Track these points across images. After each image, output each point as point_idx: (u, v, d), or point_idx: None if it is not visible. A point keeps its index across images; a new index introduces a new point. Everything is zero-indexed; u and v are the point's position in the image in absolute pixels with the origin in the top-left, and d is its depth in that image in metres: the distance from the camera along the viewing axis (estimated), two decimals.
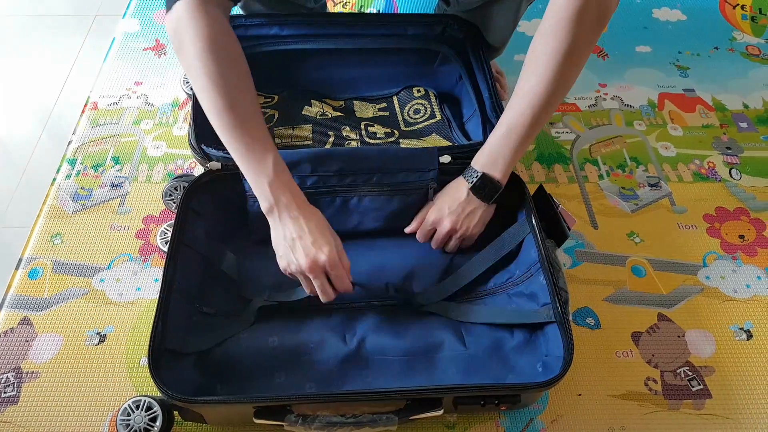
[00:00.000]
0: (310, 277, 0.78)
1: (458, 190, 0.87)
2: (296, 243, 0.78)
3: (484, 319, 0.86)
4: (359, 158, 0.89)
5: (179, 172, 1.09)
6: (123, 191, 1.06)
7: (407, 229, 0.91)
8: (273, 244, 0.81)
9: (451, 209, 0.87)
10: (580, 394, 0.86)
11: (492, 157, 0.84)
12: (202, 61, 0.76)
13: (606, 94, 1.25)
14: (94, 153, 1.12)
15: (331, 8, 1.38)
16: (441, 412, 0.74)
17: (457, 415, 0.83)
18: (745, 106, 1.24)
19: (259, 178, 0.77)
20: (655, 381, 0.88)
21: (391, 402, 0.73)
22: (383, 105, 1.08)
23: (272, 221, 0.80)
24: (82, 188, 1.06)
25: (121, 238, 1.00)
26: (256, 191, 0.79)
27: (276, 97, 1.05)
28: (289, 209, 0.78)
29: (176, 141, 1.14)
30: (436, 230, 0.89)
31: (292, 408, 0.72)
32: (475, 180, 0.85)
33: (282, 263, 0.80)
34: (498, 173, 0.84)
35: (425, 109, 1.06)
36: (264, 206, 0.79)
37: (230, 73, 0.77)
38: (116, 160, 1.11)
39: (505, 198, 0.91)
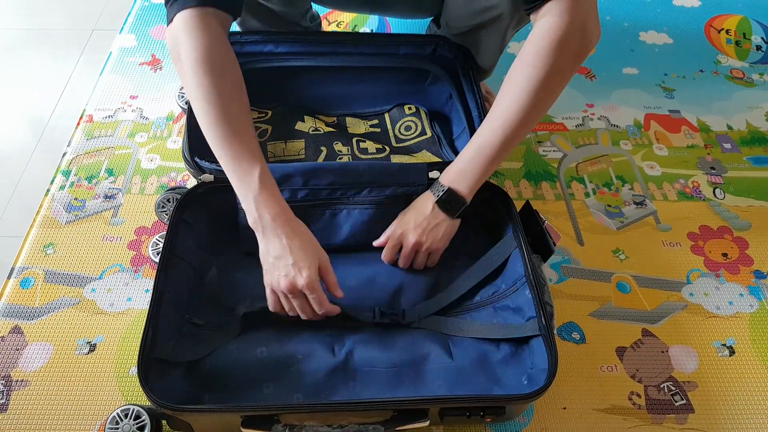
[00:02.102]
0: (289, 297, 0.80)
1: (425, 204, 0.88)
2: (278, 262, 0.78)
3: (471, 334, 0.87)
4: (350, 172, 0.91)
5: (172, 184, 1.11)
6: (116, 203, 1.07)
7: (375, 243, 0.91)
8: (260, 258, 0.81)
9: (416, 223, 0.87)
10: (565, 408, 0.87)
11: (460, 173, 0.86)
12: (196, 72, 0.77)
13: (593, 114, 1.28)
14: (88, 165, 1.13)
15: (326, 27, 1.41)
16: (427, 423, 0.75)
17: (444, 428, 0.84)
18: (729, 128, 1.27)
19: (246, 192, 0.78)
20: (638, 395, 0.89)
21: (378, 412, 0.74)
22: (375, 121, 1.10)
23: (258, 236, 0.80)
24: (75, 199, 1.08)
25: (113, 248, 1.01)
26: (243, 204, 0.80)
27: (269, 112, 1.07)
28: (274, 225, 0.78)
29: (170, 154, 1.15)
30: (402, 246, 0.90)
31: (279, 418, 0.73)
32: (441, 194, 0.86)
33: (266, 278, 0.81)
34: (464, 189, 0.85)
35: (416, 126, 1.08)
36: (250, 220, 0.79)
37: (223, 85, 0.79)
38: (110, 172, 1.12)
39: (493, 214, 0.93)
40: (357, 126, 1.09)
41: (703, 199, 1.14)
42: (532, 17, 0.81)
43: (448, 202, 0.86)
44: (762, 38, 1.46)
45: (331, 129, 1.06)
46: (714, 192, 1.15)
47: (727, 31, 1.48)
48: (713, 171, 1.19)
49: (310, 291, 0.78)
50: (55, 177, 1.11)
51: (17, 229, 1.04)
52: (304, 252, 0.78)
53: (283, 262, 0.78)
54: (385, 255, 0.91)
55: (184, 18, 0.78)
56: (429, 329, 0.88)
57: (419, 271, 0.93)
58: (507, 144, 0.83)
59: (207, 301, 0.88)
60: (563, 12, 0.76)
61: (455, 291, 0.90)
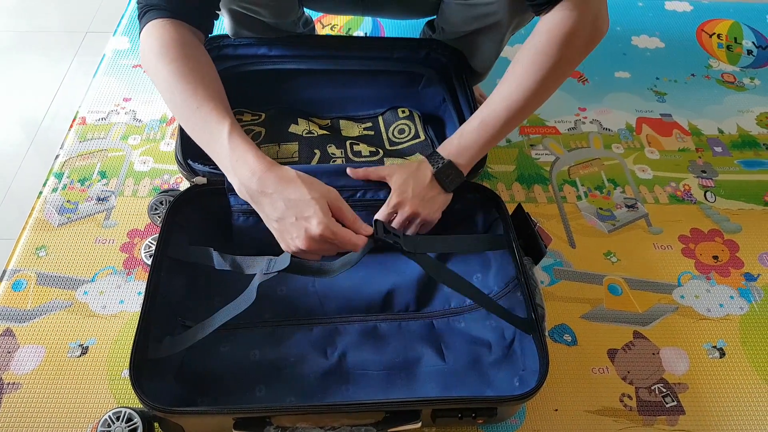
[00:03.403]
0: (319, 252, 0.74)
1: (423, 173, 0.86)
2: (282, 225, 0.73)
3: (459, 290, 0.83)
4: (344, 175, 0.91)
5: (165, 186, 1.11)
6: (109, 205, 1.07)
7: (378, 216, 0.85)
8: (268, 227, 0.77)
9: (414, 193, 0.85)
10: (556, 410, 0.88)
11: (461, 147, 0.86)
12: (161, 61, 0.78)
13: (585, 117, 1.28)
14: (81, 167, 1.13)
15: (320, 30, 1.41)
16: (419, 425, 0.75)
17: (436, 429, 0.84)
18: (720, 132, 1.28)
19: (220, 160, 0.76)
20: (630, 397, 0.90)
21: (370, 414, 0.74)
22: (369, 124, 1.10)
23: (253, 206, 0.76)
24: (68, 201, 1.07)
25: (105, 251, 1.01)
26: (228, 177, 0.76)
27: (263, 115, 1.07)
28: (257, 184, 0.72)
29: (163, 156, 1.15)
30: (395, 214, 0.86)
31: (271, 420, 0.73)
32: (440, 165, 0.85)
33: (282, 246, 0.76)
34: (464, 162, 0.86)
35: (409, 129, 1.08)
36: (237, 192, 0.76)
37: (185, 68, 0.78)
38: (103, 175, 1.12)
39: (485, 217, 0.94)
40: (351, 129, 1.09)
41: (694, 202, 1.15)
42: (540, 16, 0.82)
43: (447, 174, 0.85)
44: (753, 42, 1.48)
45: (325, 132, 1.06)
46: (705, 195, 1.16)
47: (719, 36, 1.49)
48: (704, 174, 1.20)
49: (331, 236, 0.71)
50: (47, 179, 1.11)
51: (9, 232, 1.04)
52: (302, 199, 0.71)
53: (287, 221, 0.72)
54: (379, 214, 0.86)
55: (148, 28, 0.79)
56: (423, 264, 0.82)
57: (411, 273, 0.93)
58: (508, 124, 0.84)
59: (202, 303, 0.88)
60: (575, 6, 0.78)
61: (446, 245, 0.90)
